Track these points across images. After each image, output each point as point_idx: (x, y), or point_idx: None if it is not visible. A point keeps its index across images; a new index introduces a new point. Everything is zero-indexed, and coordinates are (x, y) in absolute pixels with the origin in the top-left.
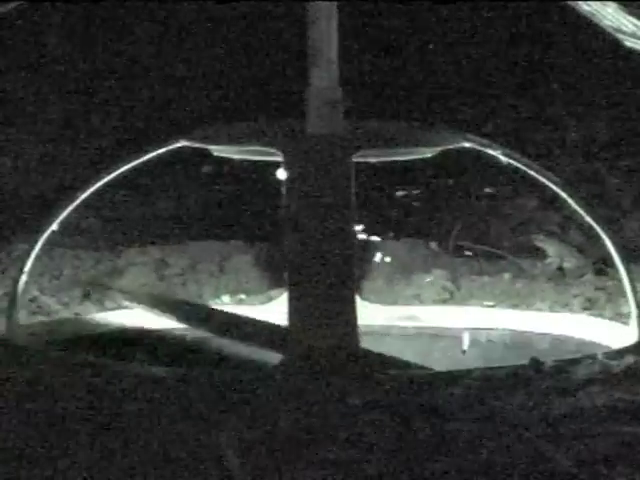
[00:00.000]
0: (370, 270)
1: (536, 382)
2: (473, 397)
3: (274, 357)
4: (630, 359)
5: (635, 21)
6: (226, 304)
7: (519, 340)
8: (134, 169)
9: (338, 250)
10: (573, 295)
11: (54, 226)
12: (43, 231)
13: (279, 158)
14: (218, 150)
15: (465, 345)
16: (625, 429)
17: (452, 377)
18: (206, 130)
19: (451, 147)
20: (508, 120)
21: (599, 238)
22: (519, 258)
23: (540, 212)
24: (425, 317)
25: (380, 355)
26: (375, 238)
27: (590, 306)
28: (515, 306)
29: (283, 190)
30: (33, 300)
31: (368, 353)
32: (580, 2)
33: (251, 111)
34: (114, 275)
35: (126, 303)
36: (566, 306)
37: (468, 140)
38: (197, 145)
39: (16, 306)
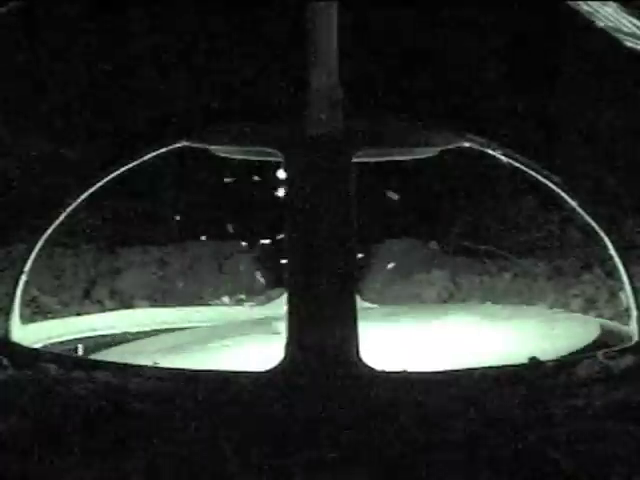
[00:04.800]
0: (370, 270)
1: (536, 382)
2: (473, 397)
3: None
4: (630, 359)
5: (635, 21)
6: (226, 304)
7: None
8: (134, 169)
9: (338, 250)
10: (573, 295)
11: (54, 226)
12: (43, 231)
13: (279, 158)
14: (218, 150)
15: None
16: (625, 429)
17: (452, 377)
18: (206, 130)
19: (451, 147)
20: (508, 120)
21: (599, 238)
22: (519, 258)
23: (540, 212)
24: (425, 317)
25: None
26: (375, 238)
27: (590, 306)
28: (515, 306)
29: (283, 190)
30: (33, 300)
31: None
32: (580, 2)
33: (251, 111)
34: (114, 275)
35: None
36: (566, 306)
37: (468, 140)
38: (197, 145)
39: (16, 306)
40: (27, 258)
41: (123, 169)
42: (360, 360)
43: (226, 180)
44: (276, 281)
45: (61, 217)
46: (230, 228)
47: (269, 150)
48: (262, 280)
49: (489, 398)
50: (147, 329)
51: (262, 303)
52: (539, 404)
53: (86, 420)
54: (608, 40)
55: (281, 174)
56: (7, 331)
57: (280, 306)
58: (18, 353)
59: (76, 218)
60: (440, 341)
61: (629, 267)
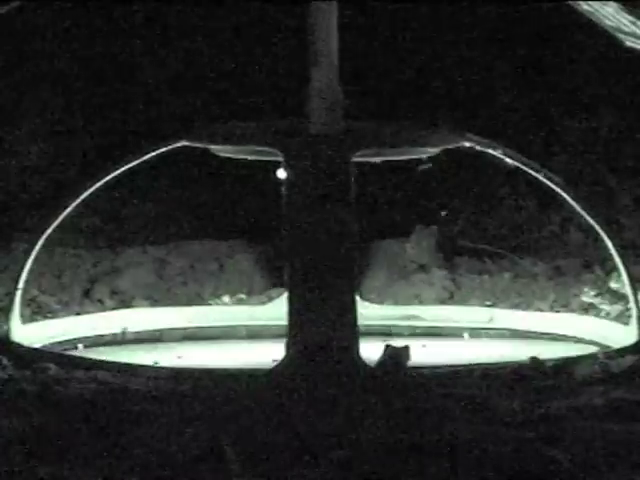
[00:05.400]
0: (370, 270)
1: (536, 382)
2: (473, 396)
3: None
4: (630, 359)
5: (635, 21)
6: (226, 304)
7: (519, 340)
8: (134, 169)
9: (338, 250)
10: (573, 295)
11: (54, 226)
12: (43, 231)
13: (279, 158)
14: (218, 150)
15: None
16: (625, 429)
17: (452, 376)
18: (206, 130)
19: (451, 147)
20: (508, 120)
21: (599, 238)
22: (519, 258)
23: (540, 212)
24: (425, 317)
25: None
26: (375, 238)
27: (590, 306)
28: (515, 306)
29: (283, 190)
30: (33, 300)
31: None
32: (580, 2)
33: (251, 111)
34: (114, 275)
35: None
36: (566, 306)
37: (468, 140)
38: (197, 145)
39: (16, 306)
40: (27, 258)
41: (123, 169)
42: (360, 360)
43: (226, 180)
44: (276, 281)
45: (61, 217)
46: (230, 228)
47: (269, 150)
48: (262, 280)
49: (489, 398)
50: (147, 329)
51: (262, 303)
52: (539, 404)
53: (86, 420)
54: (608, 40)
55: (281, 174)
56: (7, 331)
57: (280, 306)
58: (18, 353)
59: (76, 218)
60: (440, 341)
61: (629, 267)
